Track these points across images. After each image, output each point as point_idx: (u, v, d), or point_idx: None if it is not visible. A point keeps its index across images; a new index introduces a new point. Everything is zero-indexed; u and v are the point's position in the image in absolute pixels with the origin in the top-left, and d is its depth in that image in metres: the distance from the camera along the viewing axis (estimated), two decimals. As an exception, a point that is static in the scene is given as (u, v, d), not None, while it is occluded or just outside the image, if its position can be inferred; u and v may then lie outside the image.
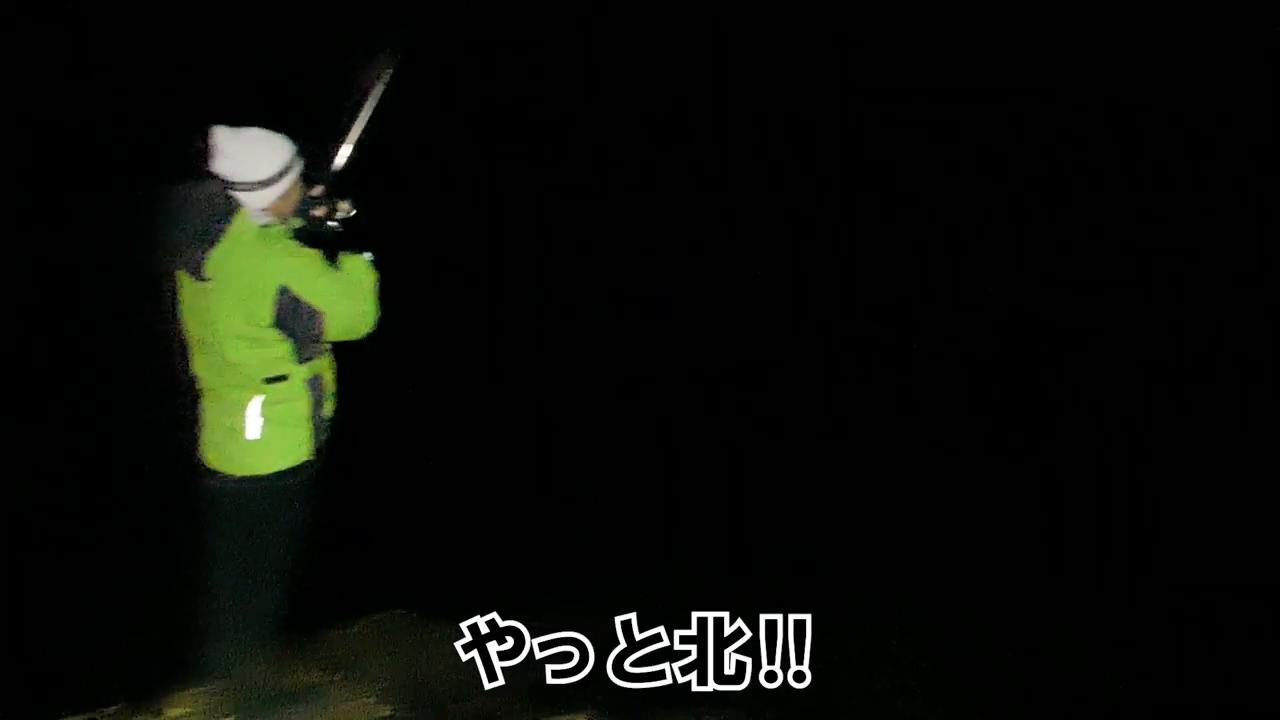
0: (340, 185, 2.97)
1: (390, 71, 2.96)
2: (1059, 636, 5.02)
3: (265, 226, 2.86)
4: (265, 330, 2.83)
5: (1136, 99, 8.96)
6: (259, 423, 2.94)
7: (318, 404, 3.03)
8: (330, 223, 2.95)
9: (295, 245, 2.89)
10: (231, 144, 2.79)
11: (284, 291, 2.79)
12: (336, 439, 3.17)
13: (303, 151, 2.90)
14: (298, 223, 2.99)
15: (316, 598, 3.43)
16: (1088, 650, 4.92)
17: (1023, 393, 7.34)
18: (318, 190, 2.97)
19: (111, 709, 3.59)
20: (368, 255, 2.98)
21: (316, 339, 2.89)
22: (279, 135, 2.87)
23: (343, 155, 2.95)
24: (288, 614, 3.24)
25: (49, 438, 5.82)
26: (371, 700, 3.68)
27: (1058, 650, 4.94)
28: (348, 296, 2.88)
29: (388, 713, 3.64)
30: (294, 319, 2.82)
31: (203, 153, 2.79)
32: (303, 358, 2.93)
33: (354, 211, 2.97)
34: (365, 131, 2.96)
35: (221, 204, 2.79)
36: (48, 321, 6.74)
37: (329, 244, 2.93)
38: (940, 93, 9.10)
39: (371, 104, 2.95)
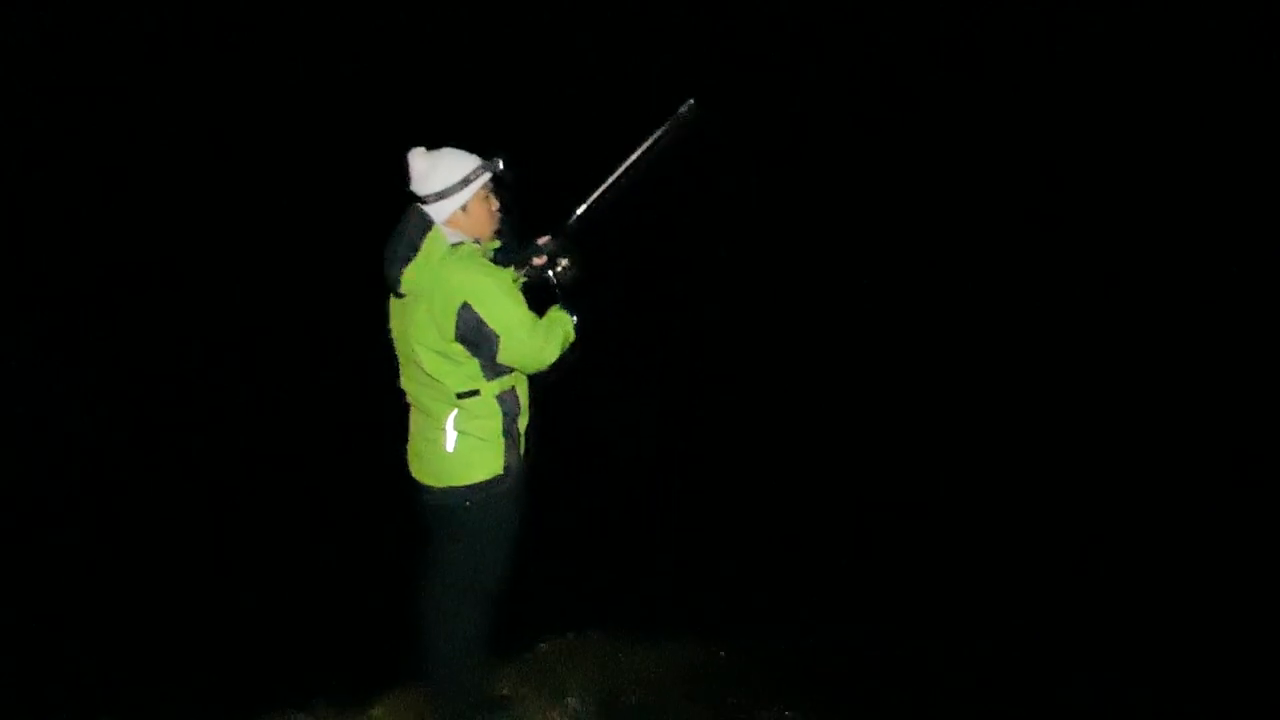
0: (567, 244, 3.10)
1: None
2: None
3: (456, 245, 2.94)
4: (452, 345, 2.90)
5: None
6: (454, 436, 3.01)
7: (510, 419, 3.07)
8: (546, 273, 3.06)
9: (484, 264, 2.95)
10: (420, 161, 2.92)
11: (465, 308, 2.85)
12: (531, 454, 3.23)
13: (495, 171, 2.97)
14: (495, 245, 3.10)
15: (513, 612, 3.53)
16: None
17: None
18: (544, 240, 3.11)
19: (318, 709, 3.78)
20: (574, 319, 3.05)
21: (493, 360, 2.94)
22: (464, 153, 2.97)
23: (577, 215, 3.12)
24: (489, 626, 3.34)
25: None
26: (559, 714, 3.73)
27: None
28: (529, 330, 2.90)
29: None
30: (475, 337, 2.88)
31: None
32: (490, 375, 2.98)
33: (571, 269, 3.07)
34: (603, 200, 3.14)
35: (420, 223, 2.90)
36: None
37: (543, 291, 3.04)
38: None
39: (616, 178, 3.13)
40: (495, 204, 3.04)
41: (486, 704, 3.56)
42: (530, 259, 3.09)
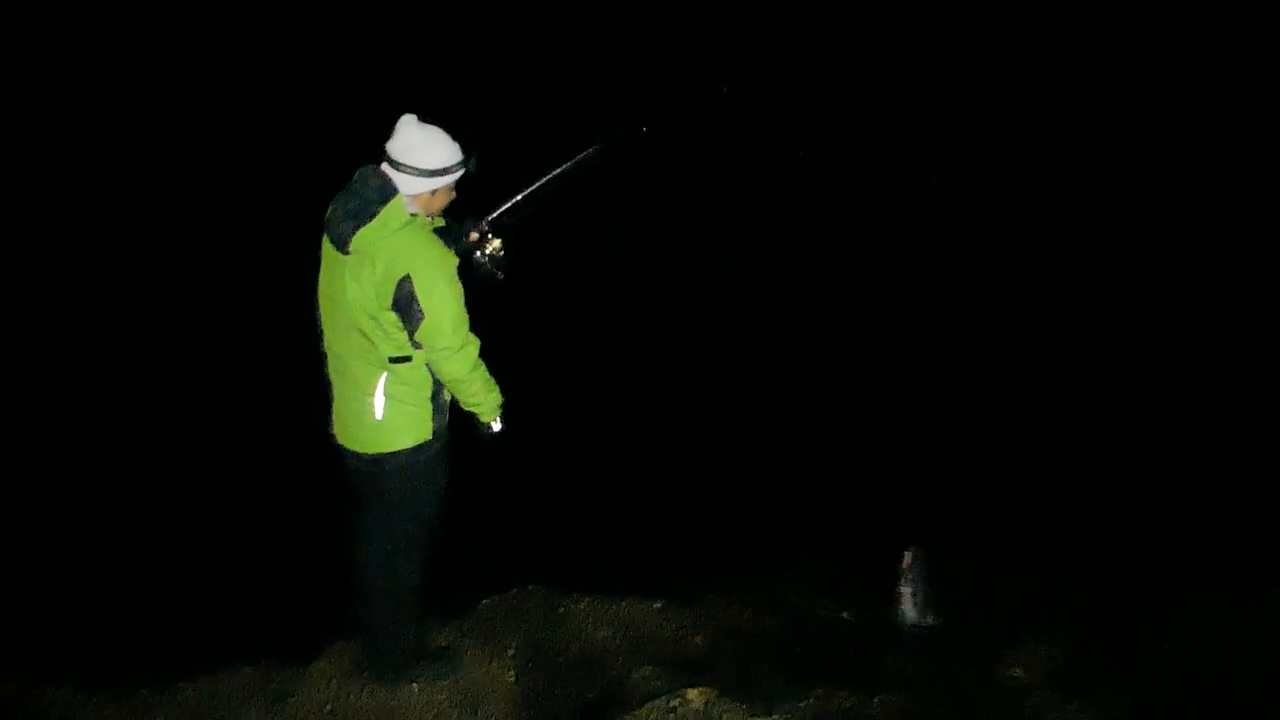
0: (500, 227, 3.31)
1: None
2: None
3: (413, 216, 3.02)
4: (386, 313, 2.99)
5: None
6: (382, 402, 3.09)
7: (439, 386, 3.18)
8: (477, 252, 3.22)
9: (437, 242, 3.05)
10: (413, 131, 2.98)
11: (406, 280, 2.94)
12: (460, 420, 3.32)
13: (470, 164, 3.08)
14: (440, 223, 3.19)
15: (453, 572, 3.59)
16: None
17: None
18: (488, 222, 3.29)
19: (262, 662, 3.83)
20: (501, 404, 3.29)
21: (413, 333, 3.02)
22: (453, 142, 3.05)
23: (513, 202, 3.35)
24: (427, 584, 3.44)
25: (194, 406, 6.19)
26: (499, 664, 3.82)
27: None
28: (454, 327, 3.01)
29: (513, 678, 3.80)
30: (405, 308, 2.97)
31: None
32: (415, 343, 3.06)
33: (502, 251, 3.26)
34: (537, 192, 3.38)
35: (381, 187, 2.96)
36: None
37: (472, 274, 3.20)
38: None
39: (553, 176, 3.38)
40: (453, 195, 3.14)
41: (426, 654, 3.65)
42: (466, 234, 3.25)
